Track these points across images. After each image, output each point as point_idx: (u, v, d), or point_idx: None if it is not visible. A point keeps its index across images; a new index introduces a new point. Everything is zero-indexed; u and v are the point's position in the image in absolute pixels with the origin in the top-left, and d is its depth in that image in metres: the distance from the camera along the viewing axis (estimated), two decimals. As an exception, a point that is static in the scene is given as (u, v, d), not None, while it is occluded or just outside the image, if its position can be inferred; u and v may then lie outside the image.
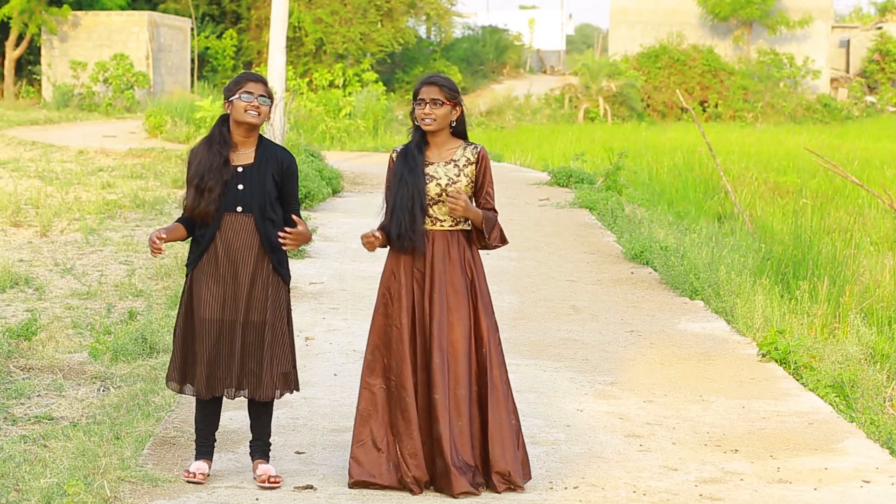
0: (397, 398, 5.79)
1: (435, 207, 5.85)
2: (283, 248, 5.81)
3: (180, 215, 5.91)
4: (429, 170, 5.85)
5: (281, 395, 5.85)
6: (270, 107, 5.83)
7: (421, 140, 5.89)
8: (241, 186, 5.76)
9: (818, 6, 45.93)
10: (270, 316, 5.80)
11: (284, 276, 5.85)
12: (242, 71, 37.16)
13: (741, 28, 45.64)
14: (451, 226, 5.87)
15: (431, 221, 5.85)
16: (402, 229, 5.79)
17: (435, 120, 5.82)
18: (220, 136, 5.81)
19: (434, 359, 5.74)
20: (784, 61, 43.98)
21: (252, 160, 5.81)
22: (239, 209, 5.76)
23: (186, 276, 5.84)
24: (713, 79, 42.18)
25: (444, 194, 5.83)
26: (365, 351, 5.90)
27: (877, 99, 45.80)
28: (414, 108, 5.88)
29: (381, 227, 5.91)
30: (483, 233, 5.88)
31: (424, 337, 5.79)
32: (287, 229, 5.76)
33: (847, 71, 51.38)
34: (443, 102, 5.82)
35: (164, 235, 5.70)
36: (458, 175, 5.85)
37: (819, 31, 46.12)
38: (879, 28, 50.73)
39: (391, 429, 5.80)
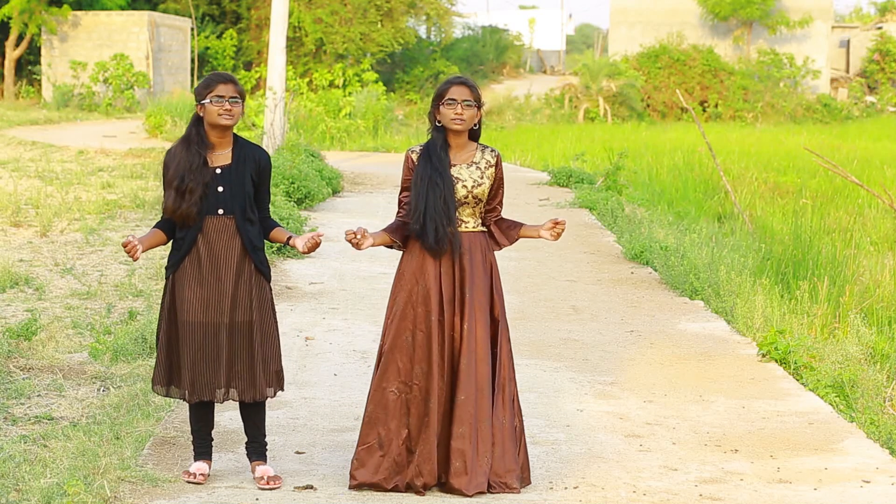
0: (421, 403, 5.74)
1: (459, 209, 5.82)
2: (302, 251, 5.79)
3: (158, 219, 5.88)
4: (452, 171, 5.82)
5: (274, 393, 5.84)
6: (242, 105, 5.80)
7: (444, 142, 5.86)
8: (220, 188, 5.74)
9: (818, 6, 45.94)
10: (257, 316, 5.78)
11: (266, 275, 5.84)
12: (242, 73, 37.23)
13: (741, 28, 45.64)
14: (473, 227, 5.86)
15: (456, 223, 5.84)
16: (441, 233, 5.73)
17: (464, 121, 5.79)
18: (198, 136, 5.78)
19: (462, 360, 5.72)
20: (784, 61, 43.99)
21: (230, 161, 5.79)
22: (220, 211, 5.74)
23: (167, 279, 5.81)
24: (713, 79, 42.17)
25: (469, 196, 5.81)
26: (378, 353, 5.87)
27: (877, 99, 45.80)
28: (437, 108, 5.82)
29: (395, 229, 5.86)
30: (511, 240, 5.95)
31: (453, 339, 5.76)
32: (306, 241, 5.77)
33: (847, 71, 51.39)
34: (473, 104, 5.80)
35: (135, 241, 5.64)
36: (482, 178, 5.84)
37: (819, 31, 46.13)
38: (879, 28, 50.74)
39: (399, 433, 5.77)
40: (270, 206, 6.03)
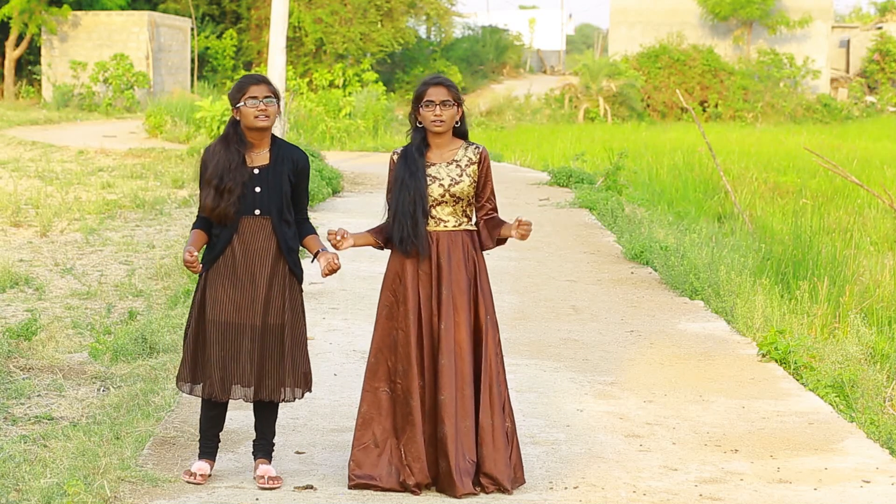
0: (403, 402, 5.77)
1: (438, 208, 5.83)
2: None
3: (195, 220, 5.87)
4: (431, 171, 5.84)
5: (303, 395, 5.84)
6: (279, 104, 5.82)
7: (421, 142, 5.87)
8: (258, 189, 5.75)
9: (818, 6, 45.95)
10: (289, 318, 5.78)
11: (299, 277, 5.84)
12: (243, 73, 37.20)
13: (741, 28, 45.65)
14: (454, 226, 5.86)
15: (435, 222, 5.84)
16: (405, 234, 5.77)
17: (444, 122, 5.81)
18: (236, 135, 5.79)
19: (441, 359, 5.73)
20: (784, 61, 44.00)
21: (268, 161, 5.80)
22: (257, 212, 5.74)
23: (200, 276, 5.81)
24: (713, 79, 42.18)
25: (446, 195, 5.83)
26: (368, 354, 5.89)
27: (877, 99, 45.80)
28: (417, 111, 5.84)
29: (381, 230, 5.90)
30: (498, 240, 5.92)
31: (432, 338, 5.77)
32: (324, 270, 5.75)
33: (847, 71, 51.39)
34: (452, 104, 5.82)
35: (195, 252, 5.70)
36: (461, 175, 5.85)
37: (819, 31, 46.13)
38: (879, 28, 50.74)
39: (394, 432, 5.79)
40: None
